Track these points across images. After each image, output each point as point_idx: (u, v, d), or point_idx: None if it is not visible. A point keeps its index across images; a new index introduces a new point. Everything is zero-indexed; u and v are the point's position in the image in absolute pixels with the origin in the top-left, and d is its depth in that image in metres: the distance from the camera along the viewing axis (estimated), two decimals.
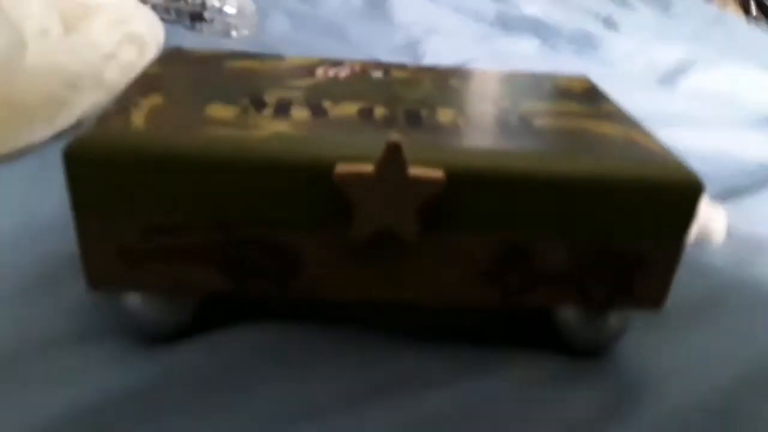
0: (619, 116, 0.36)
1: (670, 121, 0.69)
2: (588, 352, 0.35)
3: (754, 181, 0.56)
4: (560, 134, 0.33)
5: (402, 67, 0.42)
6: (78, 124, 0.56)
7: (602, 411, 0.32)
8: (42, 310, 0.36)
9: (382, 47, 0.90)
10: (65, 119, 0.53)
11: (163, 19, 0.84)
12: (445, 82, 0.40)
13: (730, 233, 0.45)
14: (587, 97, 0.39)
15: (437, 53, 0.86)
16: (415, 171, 0.28)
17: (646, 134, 0.34)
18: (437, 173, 0.29)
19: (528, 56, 0.88)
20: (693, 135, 0.66)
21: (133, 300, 0.33)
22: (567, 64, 0.86)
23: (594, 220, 0.30)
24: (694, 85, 0.82)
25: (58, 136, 0.54)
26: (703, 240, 0.42)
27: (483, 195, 0.30)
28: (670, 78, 0.84)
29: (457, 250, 0.31)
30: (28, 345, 0.33)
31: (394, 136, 0.28)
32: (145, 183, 0.29)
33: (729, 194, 0.53)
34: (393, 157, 0.28)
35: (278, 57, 0.42)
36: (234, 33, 0.87)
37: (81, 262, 0.31)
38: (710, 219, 0.42)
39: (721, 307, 0.40)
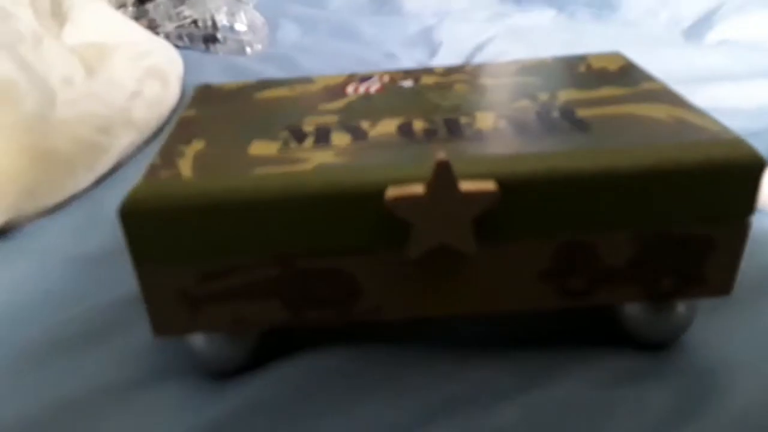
0: (662, 94, 0.35)
1: (705, 79, 0.67)
2: (657, 345, 0.35)
3: None
4: (607, 124, 0.32)
5: (429, 71, 0.42)
6: (116, 167, 0.57)
7: (676, 412, 0.31)
8: (101, 358, 0.36)
9: (395, 40, 0.89)
10: (104, 164, 0.54)
11: (177, 46, 0.85)
12: (477, 82, 0.39)
13: None
14: (625, 76, 0.38)
15: (453, 39, 0.85)
16: (466, 186, 0.28)
17: (695, 111, 0.33)
18: (489, 186, 0.28)
19: (546, 29, 0.86)
20: (731, 91, 0.64)
21: (197, 340, 0.34)
22: (588, 31, 0.84)
23: (655, 210, 0.30)
24: (721, 35, 0.79)
25: (99, 182, 0.55)
26: (760, 209, 0.41)
27: (538, 200, 0.29)
28: (696, 31, 0.81)
29: (516, 257, 0.31)
30: (91, 394, 0.34)
31: (441, 154, 0.27)
32: (201, 230, 0.29)
33: None
34: (443, 176, 0.28)
35: (306, 79, 0.42)
36: (248, 49, 0.87)
37: (146, 310, 0.31)
38: (764, 186, 0.41)
39: None
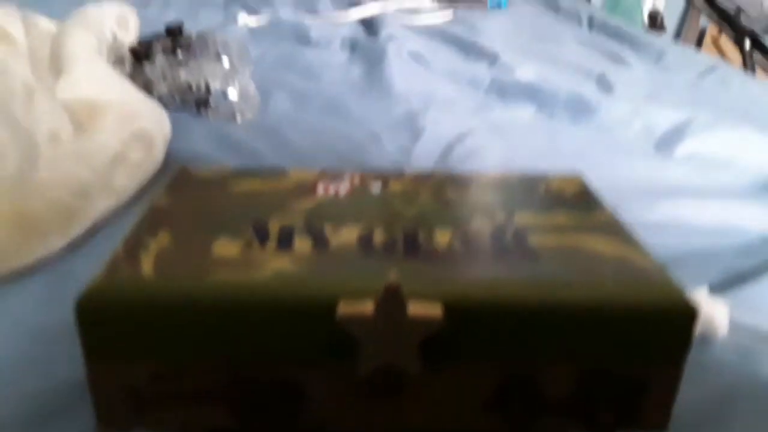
0: (612, 227, 0.37)
1: (671, 192, 0.70)
2: None
3: (758, 261, 0.56)
4: (555, 255, 0.34)
5: (399, 176, 0.44)
6: (92, 231, 0.57)
7: None
8: None
9: (382, 122, 0.92)
10: (77, 228, 0.55)
11: (168, 107, 0.87)
12: (442, 194, 0.41)
13: (733, 326, 0.45)
14: (580, 203, 0.40)
15: (436, 127, 0.88)
16: (414, 309, 0.29)
17: (639, 250, 0.35)
18: (436, 311, 0.29)
19: (525, 126, 0.90)
20: (693, 207, 0.66)
21: None
22: (563, 132, 0.88)
23: (595, 347, 0.31)
24: (691, 148, 0.83)
25: (71, 246, 0.55)
26: (706, 335, 0.43)
27: (483, 326, 0.30)
28: (666, 142, 0.85)
29: (460, 381, 0.32)
30: None
31: (393, 276, 0.29)
32: (155, 329, 0.30)
33: (732, 281, 0.53)
34: (392, 298, 0.29)
35: (281, 172, 0.44)
36: (238, 117, 0.90)
37: (92, 403, 0.31)
38: (712, 313, 0.43)
39: (728, 411, 0.40)
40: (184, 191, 0.40)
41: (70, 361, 0.41)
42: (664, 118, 0.90)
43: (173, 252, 0.33)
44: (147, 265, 0.31)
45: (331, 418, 0.32)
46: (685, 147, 0.84)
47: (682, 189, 0.71)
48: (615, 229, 0.37)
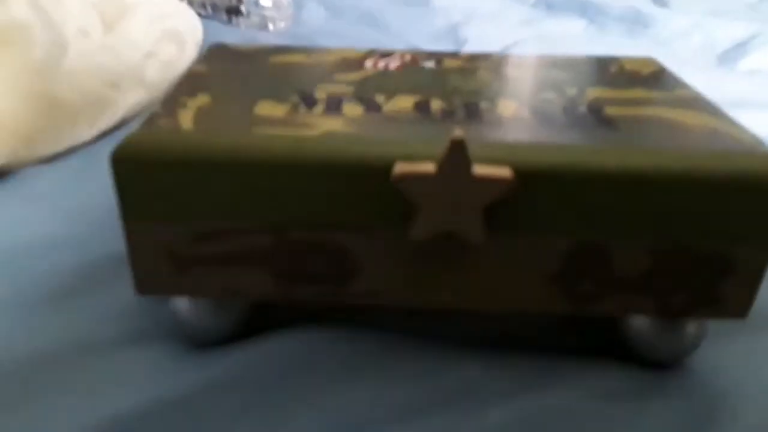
0: (696, 102, 0.33)
1: (734, 104, 0.65)
2: (662, 364, 0.33)
3: None
4: (634, 125, 0.30)
5: (454, 55, 0.40)
6: (121, 124, 0.55)
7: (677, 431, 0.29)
8: (86, 313, 0.35)
9: (421, 34, 0.87)
10: (108, 119, 0.53)
11: (199, 15, 0.83)
12: (502, 71, 0.37)
13: None
14: (658, 81, 0.36)
15: (479, 39, 0.83)
16: (480, 170, 0.26)
17: (729, 121, 0.31)
18: (505, 172, 0.26)
19: (576, 39, 0.84)
20: (759, 118, 0.62)
21: (182, 304, 0.32)
22: (618, 45, 0.82)
23: (677, 221, 0.28)
24: (755, 63, 0.77)
25: (100, 137, 0.53)
26: None
27: (554, 194, 0.27)
28: (729, 57, 0.79)
29: (525, 253, 0.29)
30: (72, 349, 0.33)
31: (457, 132, 0.25)
32: (195, 186, 0.28)
33: None
34: (457, 155, 0.26)
35: (324, 49, 0.40)
36: (271, 26, 0.86)
37: (129, 266, 0.30)
38: None
39: None
40: (221, 61, 0.37)
41: (103, 239, 0.40)
42: (726, 33, 0.83)
43: (214, 110, 0.30)
44: (186, 121, 0.29)
45: (382, 289, 0.30)
46: (749, 62, 0.78)
47: (745, 101, 0.66)
48: (701, 104, 0.33)
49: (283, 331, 0.33)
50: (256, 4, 0.87)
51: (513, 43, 0.80)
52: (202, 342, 0.33)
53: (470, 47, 0.80)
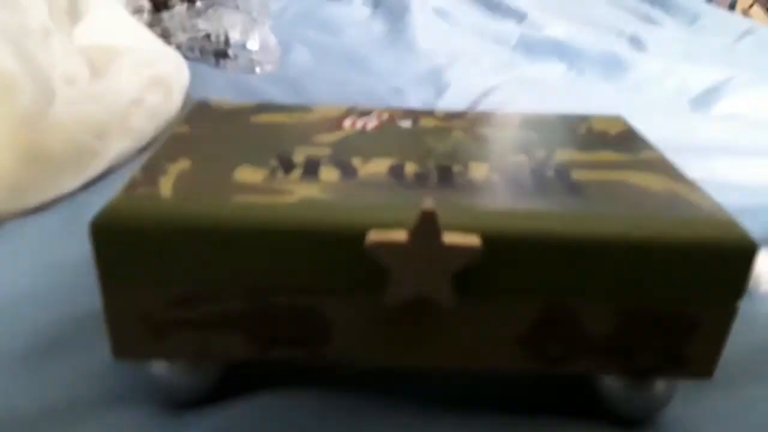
0: (659, 165, 0.35)
1: (707, 150, 0.67)
2: (632, 421, 0.33)
3: None
4: (600, 189, 0.31)
5: (430, 113, 0.41)
6: (106, 173, 0.56)
7: None
8: (63, 373, 0.35)
9: (405, 77, 0.89)
10: (93, 169, 0.54)
11: (187, 58, 0.85)
12: (476, 130, 0.39)
13: None
14: (624, 142, 0.38)
15: (461, 82, 0.85)
16: (450, 238, 0.27)
17: (690, 186, 0.32)
18: (473, 240, 0.27)
19: (554, 83, 0.87)
20: (732, 165, 0.63)
21: (158, 366, 0.32)
22: (595, 90, 0.84)
23: (641, 284, 0.29)
24: (728, 108, 0.79)
25: (86, 186, 0.54)
26: (751, 288, 0.40)
27: (523, 259, 0.28)
28: (702, 101, 0.81)
29: (494, 317, 0.30)
30: (47, 411, 0.33)
31: (428, 202, 0.26)
32: (173, 253, 0.28)
33: None
34: (427, 225, 0.27)
35: (305, 108, 0.42)
36: (258, 69, 0.88)
37: (107, 330, 0.30)
38: (757, 267, 0.40)
39: None
40: (204, 121, 0.38)
41: (85, 293, 0.40)
42: (700, 78, 0.86)
43: (193, 176, 0.31)
44: (165, 188, 0.30)
45: (357, 351, 0.30)
46: (722, 106, 0.80)
47: (719, 147, 0.68)
48: (664, 167, 0.34)
49: (258, 393, 0.33)
50: (244, 47, 0.88)
51: (493, 87, 0.82)
52: (178, 403, 0.33)
53: (452, 91, 0.82)
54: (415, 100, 0.81)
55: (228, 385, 0.34)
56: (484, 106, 0.78)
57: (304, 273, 0.29)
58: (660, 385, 0.33)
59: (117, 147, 0.56)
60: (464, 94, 0.82)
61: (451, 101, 0.80)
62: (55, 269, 0.43)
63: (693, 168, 0.64)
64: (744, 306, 0.41)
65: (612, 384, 0.33)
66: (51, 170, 0.50)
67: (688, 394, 0.36)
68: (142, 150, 0.61)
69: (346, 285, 0.29)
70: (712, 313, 0.29)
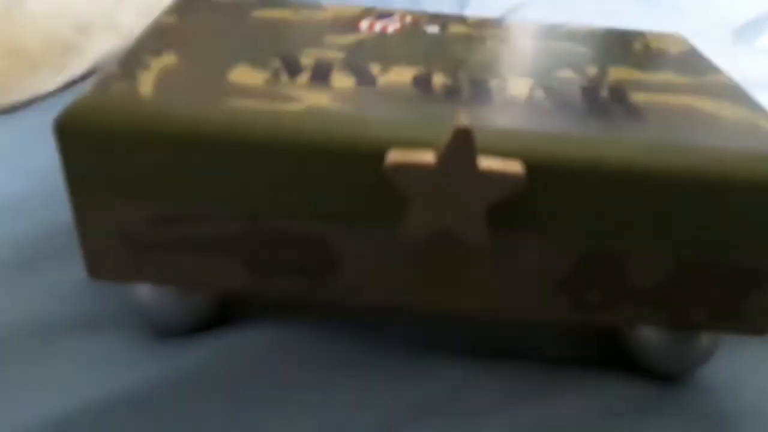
0: (731, 91, 0.29)
1: (751, 86, 0.61)
2: (670, 377, 0.30)
3: None
4: (664, 115, 0.26)
5: (461, 20, 0.36)
6: (90, 73, 0.51)
7: None
8: (37, 292, 0.31)
9: None
10: (75, 67, 0.48)
11: None
12: (514, 42, 0.33)
13: None
14: (688, 63, 0.32)
15: None
16: (487, 163, 0.23)
17: (767, 115, 0.27)
18: (515, 167, 0.23)
19: (586, 3, 0.79)
20: None
21: (143, 289, 0.28)
22: (633, 10, 0.77)
23: (704, 229, 0.24)
24: None
25: (68, 86, 0.48)
26: None
27: (570, 194, 0.24)
28: (747, 32, 0.74)
29: (531, 258, 0.25)
30: (17, 334, 0.29)
31: (463, 117, 0.22)
32: (154, 163, 0.24)
33: None
34: (461, 146, 0.22)
35: (315, 5, 0.36)
36: None
37: (80, 247, 0.26)
38: None
39: None
40: (196, 12, 0.33)
41: (62, 203, 0.36)
42: (746, 6, 0.78)
43: (180, 73, 0.26)
44: (146, 85, 0.25)
45: (365, 287, 0.26)
46: (766, 39, 0.73)
47: (762, 82, 0.62)
48: (737, 94, 0.29)
49: (255, 325, 0.30)
50: None
51: (522, 3, 0.75)
52: (164, 331, 0.30)
53: (476, 3, 0.75)
54: (433, 10, 0.74)
55: (223, 318, 0.31)
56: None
57: (309, 195, 0.24)
58: (703, 340, 0.29)
59: (102, 44, 0.50)
60: (490, 8, 0.75)
61: (475, 14, 0.73)
62: (29, 175, 0.38)
63: None
64: None
65: (650, 336, 0.29)
66: (27, 67, 0.45)
67: (732, 349, 0.32)
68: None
69: (359, 212, 0.25)
70: None
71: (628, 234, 0.25)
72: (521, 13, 0.74)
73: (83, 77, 0.49)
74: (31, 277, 0.32)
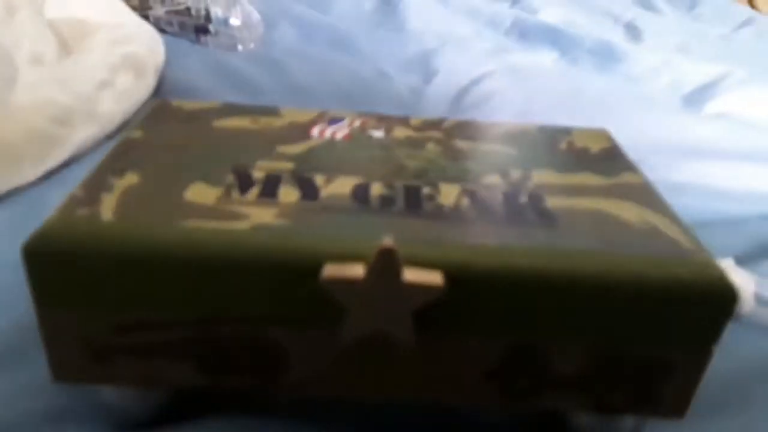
0: (640, 191, 0.33)
1: (697, 152, 0.65)
2: None
3: None
4: (575, 220, 0.30)
5: (405, 121, 0.39)
6: (70, 161, 0.54)
7: None
8: (2, 388, 0.33)
9: (393, 60, 0.86)
10: (55, 158, 0.51)
11: (165, 32, 0.81)
12: (451, 143, 0.37)
13: (759, 301, 0.41)
14: (606, 161, 0.36)
15: (450, 68, 0.82)
16: (410, 276, 0.26)
17: (671, 219, 0.30)
18: (435, 279, 0.26)
19: (545, 72, 0.84)
20: (721, 169, 0.62)
21: (105, 390, 0.31)
22: (587, 81, 0.82)
23: (614, 324, 0.27)
24: (722, 106, 0.77)
25: (47, 176, 0.51)
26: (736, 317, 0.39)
27: (489, 297, 0.27)
28: (696, 98, 0.79)
29: (458, 354, 0.28)
30: None
31: (387, 240, 0.25)
32: (113, 281, 0.26)
33: (759, 251, 0.49)
34: (386, 262, 0.25)
35: (273, 111, 0.39)
36: (240, 46, 0.84)
37: (45, 352, 0.28)
38: (738, 286, 0.39)
39: (749, 395, 0.37)
40: (161, 126, 0.36)
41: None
42: (695, 72, 0.84)
43: (141, 194, 0.29)
44: (108, 208, 0.28)
45: (311, 383, 0.29)
46: (716, 104, 0.78)
47: (710, 149, 0.66)
48: (645, 195, 0.32)
49: (212, 419, 0.32)
50: (226, 23, 0.85)
51: (483, 75, 0.80)
52: (125, 425, 0.32)
53: (440, 78, 0.79)
54: (402, 86, 0.78)
55: (181, 407, 0.33)
56: (472, 96, 0.76)
57: (255, 304, 0.27)
58: (629, 421, 0.31)
59: (82, 134, 0.53)
60: (453, 81, 0.79)
61: (439, 88, 0.78)
62: (5, 270, 0.40)
63: (682, 170, 0.63)
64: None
65: (580, 420, 0.31)
66: (9, 161, 0.48)
67: (656, 428, 0.34)
68: (110, 136, 0.58)
69: (300, 318, 0.27)
70: (687, 355, 0.28)
71: (545, 330, 0.28)
72: (484, 83, 0.78)
73: (63, 166, 0.52)
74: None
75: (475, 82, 0.79)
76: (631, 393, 0.29)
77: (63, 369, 0.29)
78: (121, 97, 0.59)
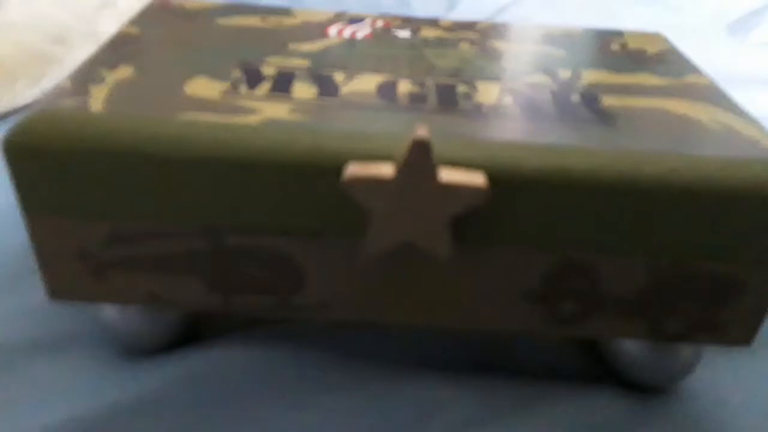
0: (708, 92, 0.28)
1: (744, 81, 0.60)
2: (652, 389, 0.29)
3: None
4: (636, 119, 0.25)
5: (433, 22, 0.35)
6: None
7: None
8: (7, 310, 0.31)
9: None
10: (53, 78, 0.47)
11: None
12: (487, 44, 0.32)
13: None
14: (666, 63, 0.31)
15: None
16: (448, 176, 0.22)
17: (746, 119, 0.26)
18: (477, 179, 0.22)
19: (581, 0, 0.78)
20: None
21: (108, 310, 0.28)
22: (625, 8, 0.76)
23: (680, 237, 0.23)
24: (766, 36, 0.71)
25: None
26: None
27: (536, 204, 0.23)
28: (740, 27, 0.73)
29: (500, 270, 0.24)
30: None
31: (421, 129, 0.21)
32: (104, 180, 0.23)
33: None
34: (419, 158, 0.21)
35: (285, 11, 0.35)
36: None
37: (38, 267, 0.25)
38: None
39: None
40: (159, 21, 0.32)
41: None
42: (738, 1, 0.77)
43: (134, 86, 0.25)
44: (97, 100, 0.24)
45: (333, 303, 0.26)
46: (761, 32, 0.72)
47: (756, 77, 0.61)
48: (714, 95, 0.28)
49: (224, 344, 0.29)
50: None
51: (511, 2, 0.74)
52: (132, 350, 0.29)
53: (465, 4, 0.74)
54: (422, 12, 0.73)
55: (194, 333, 0.30)
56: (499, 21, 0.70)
57: (270, 211, 0.24)
58: (685, 351, 0.28)
59: (81, 54, 0.49)
60: (478, 9, 0.74)
61: (464, 15, 0.72)
62: (2, 193, 0.38)
63: None
64: None
65: (631, 349, 0.28)
66: (2, 78, 0.44)
67: (716, 359, 0.31)
68: None
69: (322, 227, 0.24)
70: (759, 274, 0.24)
71: (599, 244, 0.24)
72: (511, 12, 0.73)
73: None
74: None
75: (503, 8, 0.73)
76: (693, 318, 0.26)
77: (58, 285, 0.26)
78: (121, 16, 0.55)
